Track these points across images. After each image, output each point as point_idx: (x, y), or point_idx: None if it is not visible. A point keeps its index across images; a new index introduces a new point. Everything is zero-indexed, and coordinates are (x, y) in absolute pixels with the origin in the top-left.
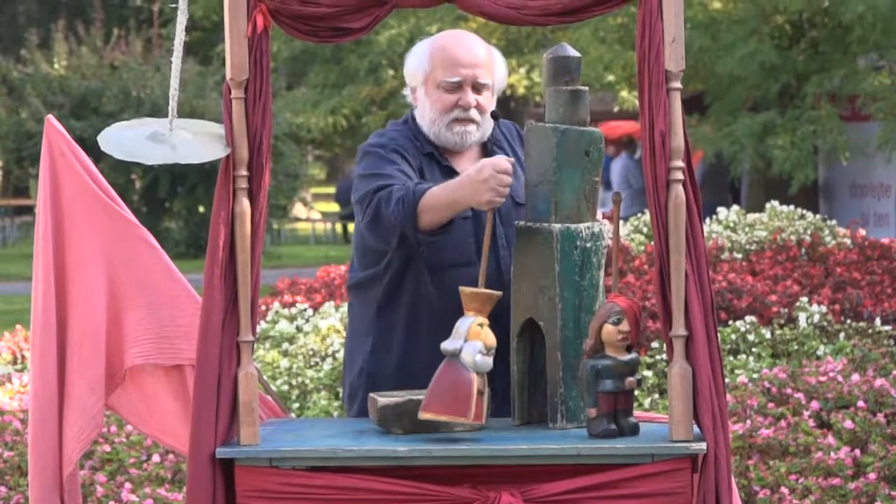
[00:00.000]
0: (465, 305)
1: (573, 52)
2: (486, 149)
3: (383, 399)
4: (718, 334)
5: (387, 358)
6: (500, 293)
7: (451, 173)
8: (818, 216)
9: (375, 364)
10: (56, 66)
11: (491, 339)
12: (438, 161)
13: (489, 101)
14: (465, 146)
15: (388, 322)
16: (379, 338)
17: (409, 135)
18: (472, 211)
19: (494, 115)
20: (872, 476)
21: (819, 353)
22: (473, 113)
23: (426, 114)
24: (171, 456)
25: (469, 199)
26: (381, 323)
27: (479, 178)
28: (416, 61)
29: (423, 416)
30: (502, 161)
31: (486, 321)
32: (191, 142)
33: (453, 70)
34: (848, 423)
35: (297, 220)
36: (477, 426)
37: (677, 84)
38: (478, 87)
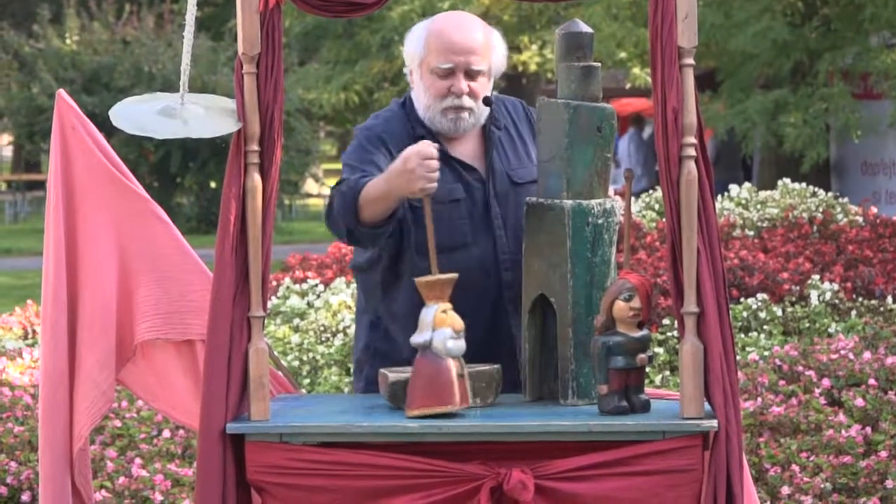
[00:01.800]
0: (424, 296)
1: (586, 28)
2: (486, 130)
3: (394, 375)
4: (730, 311)
5: (391, 338)
6: (455, 275)
7: (442, 158)
8: (830, 194)
9: (380, 342)
10: (68, 41)
11: (458, 323)
12: None
13: (484, 87)
14: (458, 132)
15: (390, 304)
16: (383, 318)
17: (403, 117)
18: (464, 192)
19: (487, 101)
20: (883, 454)
21: (830, 330)
22: (466, 100)
23: (421, 98)
24: (181, 431)
25: (402, 189)
26: (385, 304)
27: (407, 167)
28: (413, 44)
29: (411, 413)
30: (425, 147)
31: (448, 306)
32: (202, 116)
33: (446, 56)
34: (859, 401)
35: (309, 195)
36: (464, 409)
37: (690, 60)
38: (471, 74)
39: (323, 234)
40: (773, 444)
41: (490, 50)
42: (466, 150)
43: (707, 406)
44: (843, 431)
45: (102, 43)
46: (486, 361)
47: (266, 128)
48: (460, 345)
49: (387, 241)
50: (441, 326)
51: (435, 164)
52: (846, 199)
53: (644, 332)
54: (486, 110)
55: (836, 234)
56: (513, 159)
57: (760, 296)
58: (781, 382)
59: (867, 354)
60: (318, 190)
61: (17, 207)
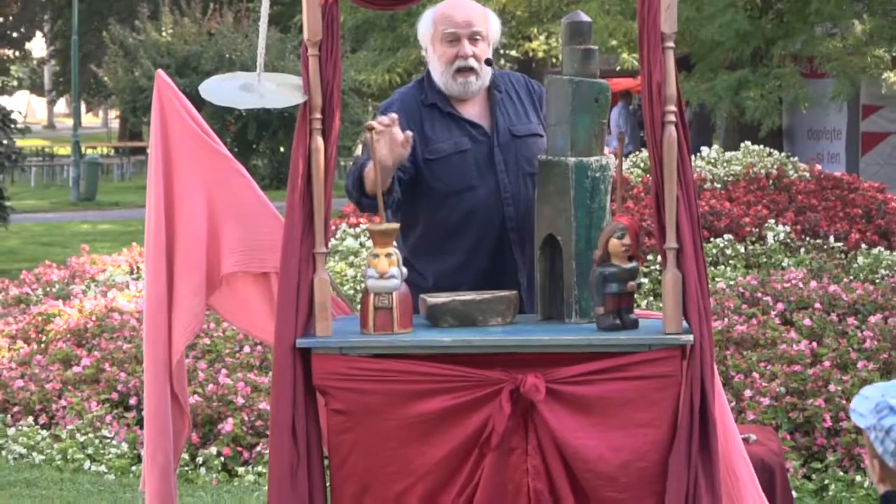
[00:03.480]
0: (373, 242)
1: (586, 18)
2: (490, 94)
3: (431, 299)
4: (703, 248)
5: (417, 271)
6: (397, 225)
7: (451, 118)
8: (783, 154)
9: (410, 275)
10: (163, 33)
11: (382, 266)
12: (440, 109)
13: (485, 52)
14: (468, 94)
15: (413, 243)
16: (409, 256)
17: (416, 90)
18: (470, 144)
19: (488, 62)
20: (827, 364)
21: (784, 264)
22: (472, 61)
23: (436, 67)
24: (258, 347)
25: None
26: (408, 244)
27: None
28: (424, 26)
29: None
30: (371, 124)
31: (381, 251)
32: (275, 91)
33: (452, 24)
34: (807, 321)
35: None
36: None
37: (671, 43)
38: (474, 39)
39: None
40: (737, 356)
41: (487, 21)
42: (474, 110)
43: (685, 324)
44: (794, 346)
45: (191, 35)
46: (493, 286)
47: (327, 100)
48: (381, 284)
49: (403, 191)
50: (370, 267)
51: (386, 119)
52: (796, 159)
53: (633, 264)
54: (488, 71)
55: (787, 187)
56: (513, 116)
57: (726, 236)
58: (744, 306)
59: (813, 283)
60: None
61: (123, 169)
